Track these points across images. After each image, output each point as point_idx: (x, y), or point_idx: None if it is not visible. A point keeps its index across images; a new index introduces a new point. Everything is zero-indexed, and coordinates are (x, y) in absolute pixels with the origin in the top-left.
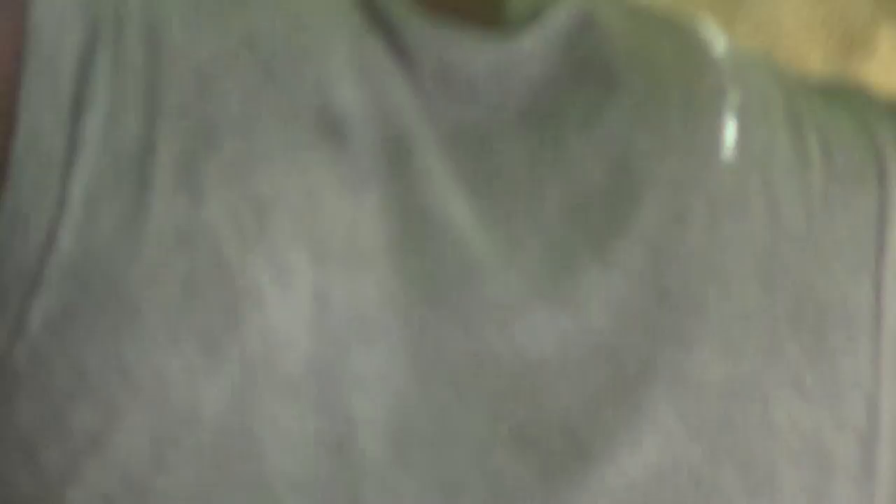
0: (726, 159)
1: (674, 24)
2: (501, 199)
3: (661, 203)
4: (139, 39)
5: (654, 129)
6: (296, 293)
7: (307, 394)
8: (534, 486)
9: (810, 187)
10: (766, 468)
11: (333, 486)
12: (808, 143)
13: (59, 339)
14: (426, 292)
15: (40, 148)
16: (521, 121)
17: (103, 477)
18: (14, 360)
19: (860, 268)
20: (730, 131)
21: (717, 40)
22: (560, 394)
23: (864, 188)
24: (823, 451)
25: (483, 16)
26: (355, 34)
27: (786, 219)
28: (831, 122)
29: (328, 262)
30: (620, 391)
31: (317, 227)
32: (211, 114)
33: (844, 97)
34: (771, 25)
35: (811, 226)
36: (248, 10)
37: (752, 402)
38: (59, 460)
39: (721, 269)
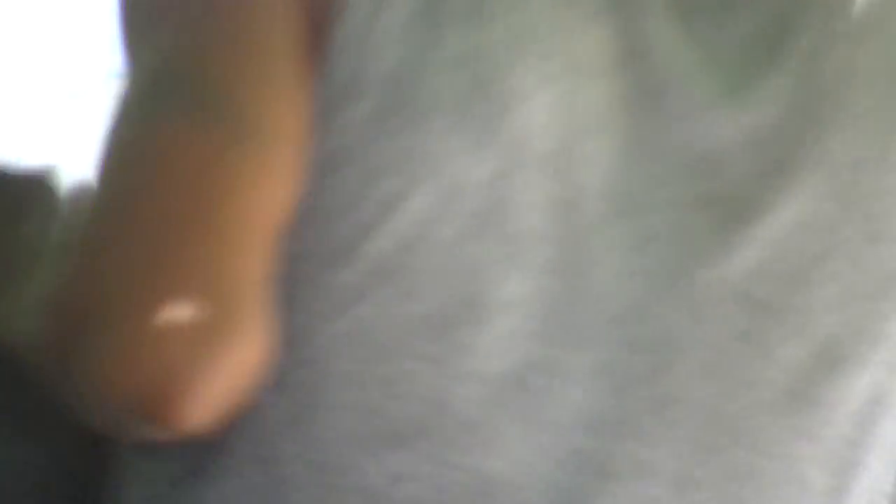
0: None
1: None
2: (700, 26)
3: (817, 26)
4: None
5: None
6: (551, 94)
7: (550, 168)
8: (711, 233)
9: None
10: (883, 220)
11: (565, 235)
12: None
13: (376, 128)
14: (641, 94)
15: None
16: None
17: (400, 226)
18: (342, 142)
19: None
20: None
21: None
22: (736, 168)
23: None
24: None
25: None
26: None
27: None
28: None
29: (575, 72)
30: (781, 164)
31: (568, 47)
32: None
33: None
34: None
35: None
36: None
37: (878, 172)
38: (371, 214)
39: (862, 71)
